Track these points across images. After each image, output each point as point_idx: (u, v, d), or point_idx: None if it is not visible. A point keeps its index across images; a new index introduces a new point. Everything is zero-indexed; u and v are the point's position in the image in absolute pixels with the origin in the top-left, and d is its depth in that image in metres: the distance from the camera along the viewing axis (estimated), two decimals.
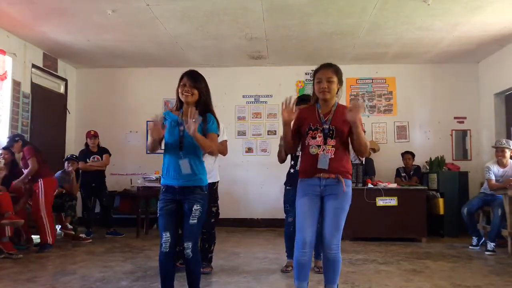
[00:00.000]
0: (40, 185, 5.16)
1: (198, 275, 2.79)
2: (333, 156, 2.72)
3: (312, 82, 2.93)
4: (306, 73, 7.56)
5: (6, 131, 5.89)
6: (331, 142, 2.73)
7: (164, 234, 2.70)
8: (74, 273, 4.06)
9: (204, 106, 2.80)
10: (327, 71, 2.79)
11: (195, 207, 2.70)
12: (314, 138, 2.76)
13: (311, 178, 2.76)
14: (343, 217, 2.72)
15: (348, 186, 2.76)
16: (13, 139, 5.36)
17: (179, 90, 2.78)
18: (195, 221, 2.70)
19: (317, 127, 2.77)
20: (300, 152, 2.96)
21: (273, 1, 4.93)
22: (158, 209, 2.78)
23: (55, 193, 5.83)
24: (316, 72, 2.85)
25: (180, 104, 2.84)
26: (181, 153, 2.72)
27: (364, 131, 7.93)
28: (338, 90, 2.83)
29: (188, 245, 2.68)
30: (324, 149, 2.72)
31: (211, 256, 4.17)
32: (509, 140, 5.64)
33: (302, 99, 3.78)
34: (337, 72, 2.82)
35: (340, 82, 2.83)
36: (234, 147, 7.59)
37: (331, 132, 2.74)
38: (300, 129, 2.86)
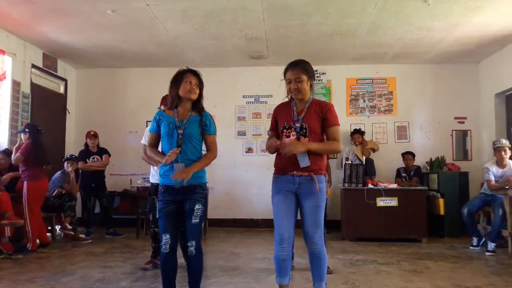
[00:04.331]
0: (24, 188, 5.05)
1: (199, 273, 2.81)
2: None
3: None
4: None
5: (6, 131, 5.90)
6: (305, 140, 2.70)
7: (163, 236, 2.74)
8: (73, 273, 4.05)
9: (200, 105, 2.83)
10: (295, 71, 2.72)
11: (196, 206, 2.73)
12: (288, 136, 2.75)
13: (284, 175, 2.77)
14: (321, 213, 2.73)
15: (321, 182, 2.75)
16: (24, 128, 5.26)
17: (183, 87, 2.77)
18: (197, 220, 2.73)
19: (291, 125, 2.76)
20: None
21: (273, 1, 4.93)
22: (158, 210, 2.79)
23: (54, 193, 5.84)
24: (285, 71, 2.79)
25: (175, 102, 2.82)
26: (179, 156, 2.71)
27: (364, 132, 7.86)
28: (311, 86, 2.78)
29: (192, 243, 2.72)
30: None
31: None
32: (507, 140, 5.64)
33: None
34: (306, 69, 2.73)
35: (312, 77, 2.76)
36: (234, 147, 7.59)
37: (303, 130, 2.72)
38: (277, 126, 2.85)
